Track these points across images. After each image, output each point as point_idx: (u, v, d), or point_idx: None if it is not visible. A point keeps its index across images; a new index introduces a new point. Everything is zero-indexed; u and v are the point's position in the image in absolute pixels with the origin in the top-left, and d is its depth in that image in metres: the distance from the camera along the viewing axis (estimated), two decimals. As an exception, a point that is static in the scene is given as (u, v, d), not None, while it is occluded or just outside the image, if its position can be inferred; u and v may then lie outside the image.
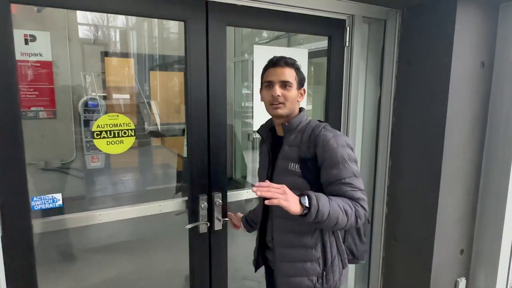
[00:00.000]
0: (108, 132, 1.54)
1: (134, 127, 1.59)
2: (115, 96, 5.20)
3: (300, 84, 1.35)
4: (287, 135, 1.34)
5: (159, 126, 5.79)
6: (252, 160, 5.48)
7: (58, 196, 1.46)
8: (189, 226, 1.70)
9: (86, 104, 3.84)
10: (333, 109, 2.10)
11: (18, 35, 1.91)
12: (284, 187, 1.14)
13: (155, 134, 5.68)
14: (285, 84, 1.30)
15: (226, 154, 1.78)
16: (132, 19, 5.91)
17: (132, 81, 5.62)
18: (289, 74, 1.31)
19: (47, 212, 1.48)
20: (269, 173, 1.39)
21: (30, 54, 2.05)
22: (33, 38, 2.01)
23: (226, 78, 1.74)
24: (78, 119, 3.93)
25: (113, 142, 1.55)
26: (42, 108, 2.37)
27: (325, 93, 2.11)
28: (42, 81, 2.31)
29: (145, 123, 5.61)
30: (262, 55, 1.87)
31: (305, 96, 1.40)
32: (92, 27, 5.14)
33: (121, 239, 3.62)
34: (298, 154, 1.29)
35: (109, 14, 5.44)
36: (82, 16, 4.54)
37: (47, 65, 2.29)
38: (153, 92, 6.09)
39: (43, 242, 1.78)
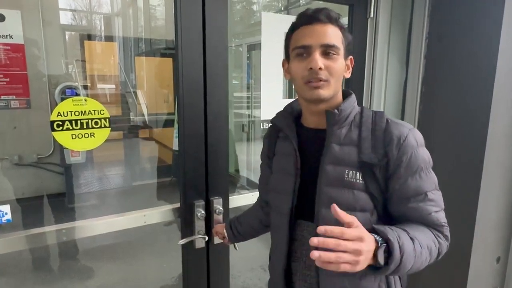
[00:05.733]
0: (73, 122, 1.13)
1: (108, 116, 1.19)
2: (96, 83, 4.80)
3: (348, 51, 0.92)
4: (333, 128, 0.91)
5: (146, 117, 5.39)
6: (247, 153, 5.15)
7: (5, 208, 1.08)
8: (182, 241, 1.34)
9: (63, 92, 3.45)
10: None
11: (-18, 13, 1.71)
12: (361, 238, 0.71)
13: (142, 125, 5.31)
14: (328, 51, 0.86)
15: (227, 151, 1.42)
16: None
17: (115, 68, 5.19)
18: (334, 35, 0.87)
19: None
20: (296, 184, 0.96)
21: (-1, 36, 1.82)
22: (1, 18, 1.77)
23: (227, 53, 1.37)
24: (55, 109, 3.57)
25: (80, 136, 1.14)
26: (14, 97, 2.16)
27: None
28: (13, 67, 2.10)
29: (131, 113, 5.23)
30: (272, 25, 1.51)
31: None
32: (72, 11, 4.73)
33: (106, 243, 3.25)
34: (358, 157, 0.88)
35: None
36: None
37: (19, 48, 2.05)
38: (140, 80, 5.67)
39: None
